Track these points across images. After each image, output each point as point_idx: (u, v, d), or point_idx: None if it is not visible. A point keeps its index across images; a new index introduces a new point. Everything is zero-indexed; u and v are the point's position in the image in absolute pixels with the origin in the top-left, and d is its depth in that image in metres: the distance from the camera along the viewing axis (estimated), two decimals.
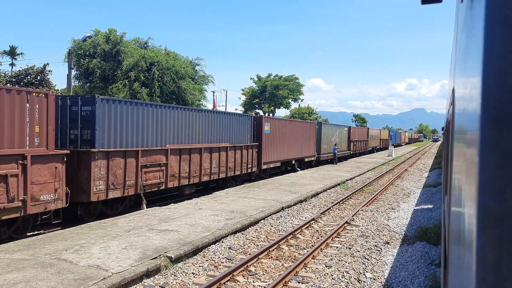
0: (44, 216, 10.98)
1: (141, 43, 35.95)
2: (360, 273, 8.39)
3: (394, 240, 11.19)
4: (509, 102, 0.83)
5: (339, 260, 9.16)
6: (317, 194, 18.11)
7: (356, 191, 19.50)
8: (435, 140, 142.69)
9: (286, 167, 27.70)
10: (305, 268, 8.66)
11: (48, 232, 10.82)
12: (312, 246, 10.22)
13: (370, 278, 8.16)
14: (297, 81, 53.95)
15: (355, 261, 9.13)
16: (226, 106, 52.64)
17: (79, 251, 8.45)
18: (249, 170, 21.65)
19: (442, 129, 14.55)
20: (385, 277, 8.31)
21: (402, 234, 11.79)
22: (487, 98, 0.86)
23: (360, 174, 27.22)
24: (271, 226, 12.16)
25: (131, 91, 29.73)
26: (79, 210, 12.19)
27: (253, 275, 8.17)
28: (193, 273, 8.11)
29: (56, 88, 34.18)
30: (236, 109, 57.07)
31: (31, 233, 10.81)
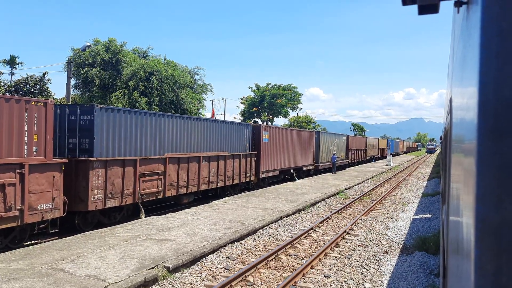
0: (41, 226, 10.92)
1: (141, 52, 36.12)
2: (359, 283, 8.34)
3: (393, 249, 11.14)
4: (506, 112, 0.83)
5: (338, 270, 9.11)
6: (316, 203, 18.06)
7: (354, 200, 19.46)
8: (430, 151, 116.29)
9: (285, 176, 27.67)
10: (304, 278, 8.60)
11: (45, 241, 10.74)
12: (311, 256, 10.16)
13: None
14: (295, 90, 54.20)
15: (354, 271, 9.07)
16: (224, 115, 52.72)
17: (76, 261, 8.39)
18: (248, 179, 21.61)
19: (440, 138, 14.57)
20: (384, 287, 8.27)
21: (401, 244, 11.75)
22: (484, 108, 0.87)
23: (359, 183, 27.18)
24: (270, 235, 12.10)
25: (130, 100, 29.79)
26: (76, 219, 12.12)
27: (251, 285, 8.11)
28: (190, 283, 8.05)
29: (55, 97, 34.21)
30: (234, 118, 57.15)
31: (28, 243, 10.74)
